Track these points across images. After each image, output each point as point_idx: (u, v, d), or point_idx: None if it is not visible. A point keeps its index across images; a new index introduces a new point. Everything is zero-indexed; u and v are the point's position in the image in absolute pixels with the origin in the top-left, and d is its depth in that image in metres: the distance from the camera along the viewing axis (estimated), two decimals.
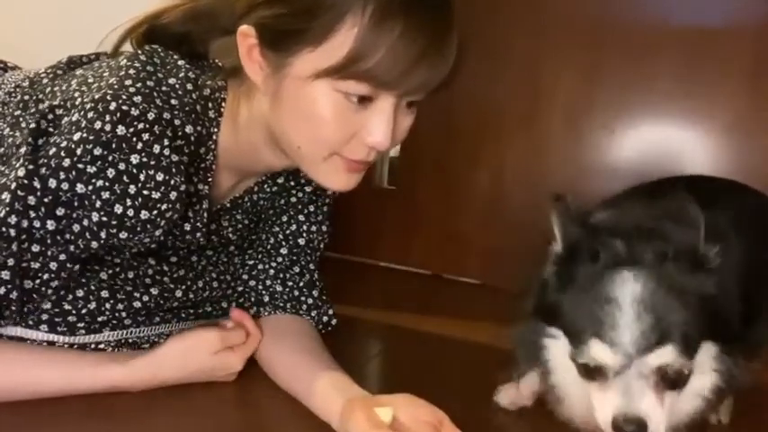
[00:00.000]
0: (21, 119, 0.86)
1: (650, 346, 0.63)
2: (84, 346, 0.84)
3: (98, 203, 0.76)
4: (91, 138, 0.75)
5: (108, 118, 0.75)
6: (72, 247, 0.78)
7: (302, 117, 0.79)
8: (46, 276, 0.78)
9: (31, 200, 0.75)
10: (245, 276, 1.03)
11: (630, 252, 0.68)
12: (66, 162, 0.75)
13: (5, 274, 0.74)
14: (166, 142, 0.77)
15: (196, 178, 0.85)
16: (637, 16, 1.35)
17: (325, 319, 1.03)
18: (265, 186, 1.00)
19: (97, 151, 0.75)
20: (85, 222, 0.77)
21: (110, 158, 0.75)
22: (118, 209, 0.76)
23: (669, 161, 1.31)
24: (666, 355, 0.63)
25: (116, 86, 0.78)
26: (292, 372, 0.88)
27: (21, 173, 0.75)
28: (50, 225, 0.76)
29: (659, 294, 0.64)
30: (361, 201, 1.54)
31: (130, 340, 0.88)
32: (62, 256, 0.78)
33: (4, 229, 0.74)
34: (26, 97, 0.89)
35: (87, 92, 0.79)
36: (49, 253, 0.77)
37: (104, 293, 0.85)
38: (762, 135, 1.29)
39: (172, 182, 0.78)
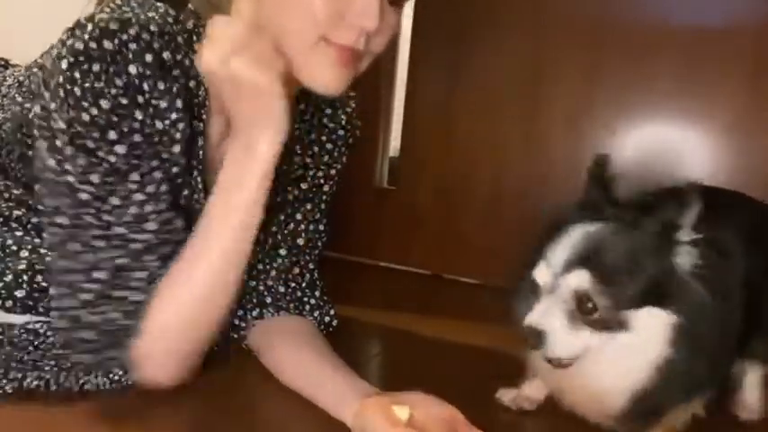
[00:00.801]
0: (17, 96, 0.89)
1: (571, 267, 0.69)
2: None
3: (114, 118, 0.75)
4: (81, 58, 0.74)
5: (87, 36, 0.74)
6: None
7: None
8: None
9: (90, 144, 0.75)
10: (245, 277, 1.03)
11: (615, 212, 0.73)
12: (77, 91, 0.74)
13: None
14: (157, 48, 0.76)
15: (189, 113, 0.82)
16: (637, 16, 1.35)
17: (327, 319, 1.03)
18: None
19: (96, 67, 0.74)
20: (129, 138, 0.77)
21: (110, 70, 0.74)
22: (138, 115, 0.76)
23: (669, 161, 1.31)
24: (582, 277, 0.68)
25: (89, 17, 0.76)
26: (301, 371, 0.88)
27: (62, 125, 0.75)
28: (121, 149, 0.76)
29: (605, 240, 0.70)
30: (361, 201, 1.55)
31: None
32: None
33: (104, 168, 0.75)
34: (21, 78, 0.91)
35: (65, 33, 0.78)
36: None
37: None
38: (762, 135, 1.29)
39: (174, 89, 0.77)
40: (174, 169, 0.81)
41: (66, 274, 0.77)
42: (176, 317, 0.78)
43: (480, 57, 1.43)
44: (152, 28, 0.78)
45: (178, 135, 0.79)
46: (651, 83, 1.34)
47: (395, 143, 1.65)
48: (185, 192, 0.85)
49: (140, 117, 0.76)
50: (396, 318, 1.26)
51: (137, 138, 0.77)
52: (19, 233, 0.85)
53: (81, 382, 0.79)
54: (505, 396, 0.93)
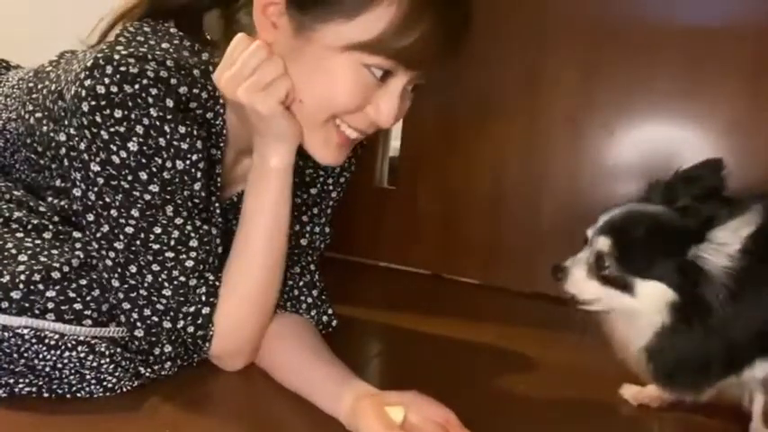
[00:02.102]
0: (28, 103, 0.90)
1: (601, 231, 0.82)
2: (92, 345, 0.81)
3: (143, 159, 0.79)
4: (102, 103, 0.76)
5: (108, 80, 0.76)
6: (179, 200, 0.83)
7: (320, 80, 0.80)
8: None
9: (125, 184, 0.79)
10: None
11: (683, 201, 0.83)
12: (104, 134, 0.77)
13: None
14: (175, 84, 0.80)
15: (208, 143, 0.85)
16: (637, 16, 1.35)
17: (324, 319, 1.03)
18: None
19: (117, 113, 0.76)
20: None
21: (132, 116, 0.77)
22: (158, 160, 0.79)
23: (669, 161, 1.31)
24: (603, 242, 0.81)
25: (107, 52, 0.78)
26: (295, 367, 0.88)
27: (95, 168, 0.78)
28: (154, 188, 0.80)
29: (636, 216, 0.82)
30: (361, 201, 1.55)
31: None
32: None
33: (149, 197, 0.80)
34: (30, 84, 0.93)
35: (81, 62, 0.80)
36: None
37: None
38: (762, 135, 1.29)
39: (194, 131, 0.81)
40: (196, 200, 0.85)
41: (134, 291, 0.83)
42: (241, 315, 0.87)
43: (480, 56, 1.43)
44: (169, 63, 0.80)
45: (199, 174, 0.83)
46: (651, 83, 1.34)
47: (395, 143, 1.65)
48: (203, 215, 0.89)
49: (164, 156, 0.80)
50: (396, 318, 1.26)
51: (166, 175, 0.81)
52: (19, 234, 0.85)
53: (74, 389, 0.79)
54: (627, 392, 0.95)
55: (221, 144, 0.89)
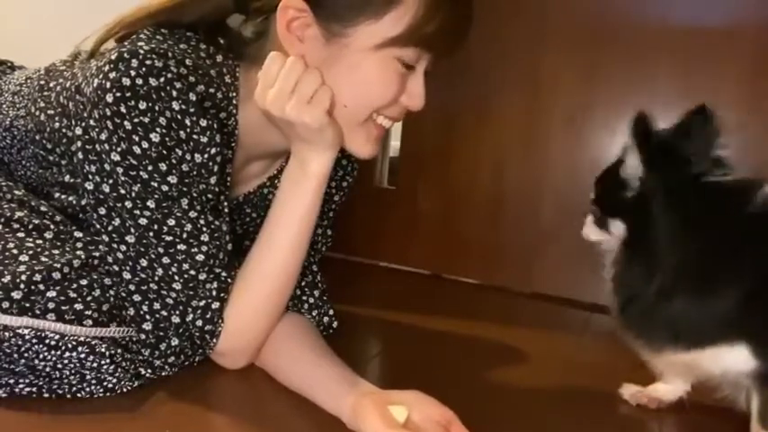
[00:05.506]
0: (39, 100, 0.91)
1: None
2: (92, 346, 0.81)
3: (164, 150, 0.80)
4: (128, 94, 0.77)
5: (134, 73, 0.78)
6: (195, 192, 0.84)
7: (359, 81, 0.83)
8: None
9: (144, 174, 0.79)
10: None
11: None
12: (127, 125, 0.78)
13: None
14: (193, 81, 0.81)
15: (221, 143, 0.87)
16: (636, 16, 1.35)
17: (325, 320, 1.03)
18: (276, 182, 1.00)
19: (142, 105, 0.78)
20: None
21: (156, 108, 0.78)
22: (178, 152, 0.81)
23: None
24: (591, 193, 0.94)
25: (130, 47, 0.80)
26: (297, 367, 0.88)
27: (115, 157, 0.79)
28: (172, 179, 0.81)
29: (608, 169, 0.93)
30: (361, 201, 1.55)
31: (135, 338, 0.87)
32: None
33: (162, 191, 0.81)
34: (42, 82, 0.94)
35: (103, 58, 0.82)
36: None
37: (107, 281, 0.86)
38: (761, 136, 1.29)
39: (215, 125, 0.83)
40: (209, 195, 0.86)
41: (144, 284, 0.84)
42: (254, 314, 0.88)
43: (480, 57, 1.43)
44: (188, 62, 0.82)
45: (216, 168, 0.85)
46: (651, 83, 1.34)
47: (395, 143, 1.65)
48: (214, 211, 0.89)
49: (185, 149, 0.81)
50: (396, 317, 1.26)
51: (185, 167, 0.82)
52: (20, 234, 0.86)
53: (74, 389, 0.79)
54: (627, 391, 0.95)
55: (233, 144, 0.90)
